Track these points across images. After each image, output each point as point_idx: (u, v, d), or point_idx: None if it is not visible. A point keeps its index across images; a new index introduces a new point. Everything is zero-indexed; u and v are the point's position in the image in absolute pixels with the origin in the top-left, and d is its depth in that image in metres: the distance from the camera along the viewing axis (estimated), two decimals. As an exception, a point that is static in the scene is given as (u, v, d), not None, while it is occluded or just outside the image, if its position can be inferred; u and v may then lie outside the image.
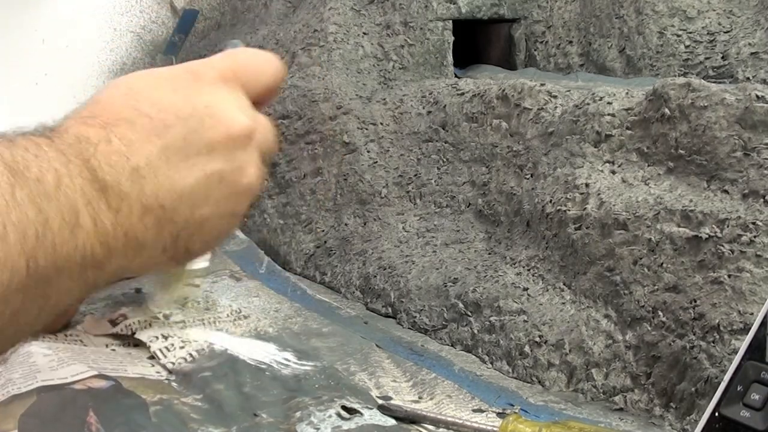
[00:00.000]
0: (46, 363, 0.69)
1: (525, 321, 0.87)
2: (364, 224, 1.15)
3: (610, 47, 1.23)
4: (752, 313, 0.69)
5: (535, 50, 1.35)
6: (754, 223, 0.71)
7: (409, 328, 0.99)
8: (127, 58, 1.75)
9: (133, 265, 0.47)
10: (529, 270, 0.92)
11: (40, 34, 1.67)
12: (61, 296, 0.42)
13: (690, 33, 1.13)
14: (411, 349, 0.92)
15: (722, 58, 1.09)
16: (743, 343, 0.53)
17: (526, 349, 0.86)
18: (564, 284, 0.87)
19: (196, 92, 0.50)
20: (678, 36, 1.14)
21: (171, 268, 0.57)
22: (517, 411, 0.74)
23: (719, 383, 0.53)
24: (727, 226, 0.73)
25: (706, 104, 0.77)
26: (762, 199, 0.72)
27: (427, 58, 1.27)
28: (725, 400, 0.51)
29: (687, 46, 1.13)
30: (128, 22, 1.74)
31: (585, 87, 1.04)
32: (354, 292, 1.09)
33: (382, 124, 1.18)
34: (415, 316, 0.99)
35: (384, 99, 1.20)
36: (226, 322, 0.89)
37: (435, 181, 1.10)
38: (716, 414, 0.51)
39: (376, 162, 1.17)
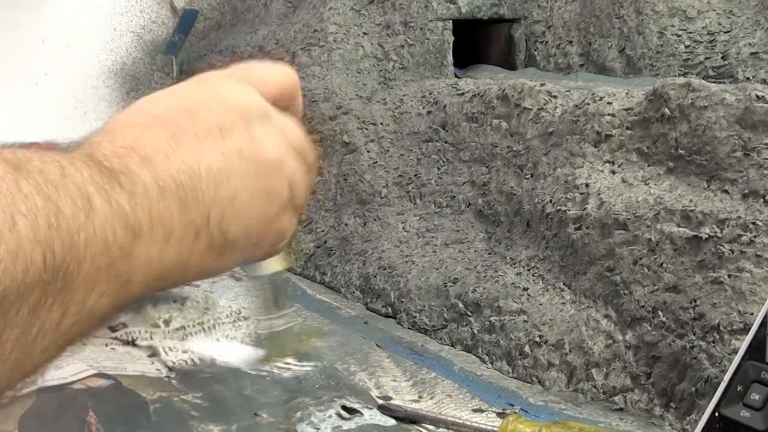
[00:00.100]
0: (46, 363, 0.69)
1: (525, 321, 0.87)
2: (364, 224, 1.15)
3: (610, 47, 1.23)
4: (752, 313, 0.69)
5: (535, 50, 1.35)
6: (754, 223, 0.71)
7: (409, 328, 0.99)
8: (127, 58, 1.74)
9: (168, 255, 0.43)
10: (529, 270, 0.92)
11: (40, 34, 1.67)
12: (89, 293, 0.39)
13: (690, 33, 1.13)
14: (411, 349, 0.92)
15: (722, 58, 1.09)
16: (743, 343, 0.53)
17: (526, 349, 0.86)
18: (564, 284, 0.87)
19: (201, 89, 0.49)
20: (678, 36, 1.14)
21: (219, 264, 0.52)
22: (517, 411, 0.74)
23: (719, 383, 0.53)
24: (727, 226, 0.73)
25: (706, 104, 0.77)
26: (762, 199, 0.72)
27: (427, 58, 1.27)
28: (725, 400, 0.51)
29: (687, 46, 1.13)
30: (128, 22, 1.74)
31: (585, 87, 1.04)
32: (354, 292, 1.09)
33: (382, 124, 1.18)
34: (415, 316, 0.99)
35: (384, 99, 1.20)
36: (226, 324, 0.89)
37: (435, 181, 1.10)
38: (716, 414, 0.51)
39: (376, 162, 1.17)
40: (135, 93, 1.69)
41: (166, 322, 0.84)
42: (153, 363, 0.74)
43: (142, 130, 0.45)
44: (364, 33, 1.27)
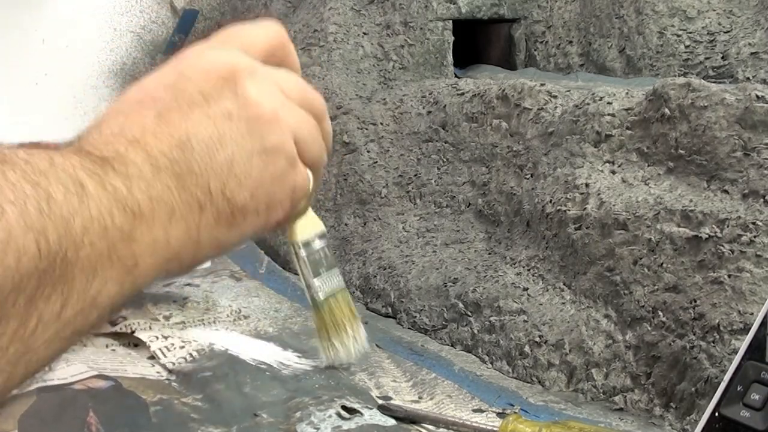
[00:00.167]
0: (46, 363, 0.69)
1: (525, 321, 0.87)
2: (364, 224, 1.15)
3: (610, 47, 1.23)
4: (752, 313, 0.69)
5: (535, 50, 1.35)
6: (754, 223, 0.71)
7: (409, 328, 0.99)
8: (127, 58, 1.74)
9: (175, 234, 0.41)
10: (529, 270, 0.92)
11: (40, 34, 1.67)
12: (91, 281, 0.36)
13: (690, 33, 1.13)
14: (411, 349, 0.92)
15: (722, 58, 1.09)
16: (743, 343, 0.53)
17: (526, 349, 0.86)
18: (564, 284, 0.87)
19: (179, 63, 0.48)
20: (678, 36, 1.14)
21: (235, 235, 0.48)
22: (517, 411, 0.74)
23: (719, 383, 0.53)
24: (727, 226, 0.73)
25: (706, 104, 0.77)
26: (762, 199, 0.72)
27: (427, 58, 1.27)
28: (725, 400, 0.51)
29: (687, 46, 1.13)
30: (128, 22, 1.74)
31: (585, 87, 1.04)
32: (354, 292, 1.09)
33: (382, 124, 1.18)
34: (415, 316, 0.99)
35: (384, 99, 1.20)
36: (226, 322, 0.89)
37: (435, 181, 1.10)
38: (716, 414, 0.51)
39: (376, 162, 1.17)
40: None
41: (167, 318, 0.84)
42: (153, 366, 0.74)
43: (127, 116, 0.44)
44: (364, 33, 1.27)
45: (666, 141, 0.81)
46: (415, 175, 1.12)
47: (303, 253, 0.62)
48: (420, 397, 0.77)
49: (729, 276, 0.71)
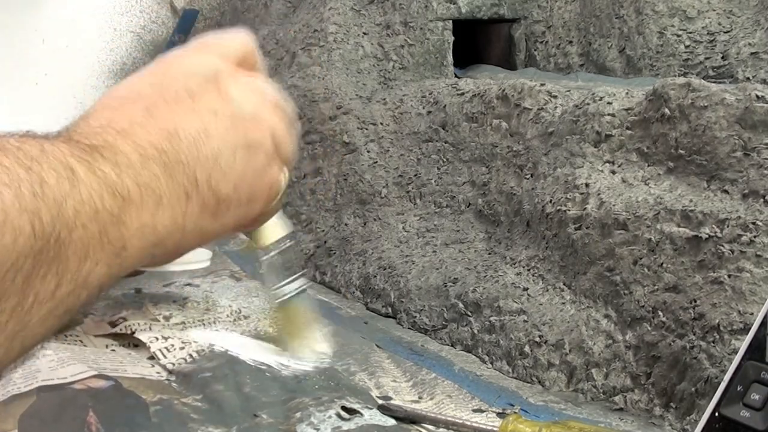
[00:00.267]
0: (46, 363, 0.69)
1: (525, 321, 0.87)
2: (364, 224, 1.15)
3: (610, 47, 1.23)
4: (752, 313, 0.69)
5: (535, 50, 1.35)
6: (754, 223, 0.71)
7: (409, 328, 0.99)
8: (127, 58, 1.75)
9: (161, 220, 0.44)
10: (529, 270, 0.92)
11: (40, 34, 1.67)
12: (83, 261, 0.39)
13: (690, 33, 1.13)
14: (411, 349, 0.92)
15: (722, 58, 1.09)
16: (743, 343, 0.53)
17: (526, 349, 0.86)
18: (564, 284, 0.87)
19: (163, 65, 0.51)
20: (678, 36, 1.14)
21: (218, 225, 0.52)
22: (517, 411, 0.74)
23: (719, 383, 0.53)
24: (727, 226, 0.73)
25: (706, 104, 0.77)
26: (762, 199, 0.72)
27: (427, 58, 1.27)
28: (725, 400, 0.51)
29: (687, 46, 1.13)
30: (128, 22, 1.74)
31: (585, 87, 1.04)
32: (354, 292, 1.09)
33: (382, 124, 1.18)
34: (415, 316, 0.99)
35: (384, 99, 1.20)
36: (226, 322, 0.89)
37: (435, 181, 1.10)
38: (716, 414, 0.51)
39: (376, 162, 1.17)
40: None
41: (166, 318, 0.84)
42: (153, 366, 0.74)
43: (115, 110, 0.46)
44: (364, 33, 1.27)
45: (666, 141, 0.81)
46: (415, 175, 1.12)
47: (271, 254, 0.64)
48: (420, 397, 0.77)
49: (729, 276, 0.71)
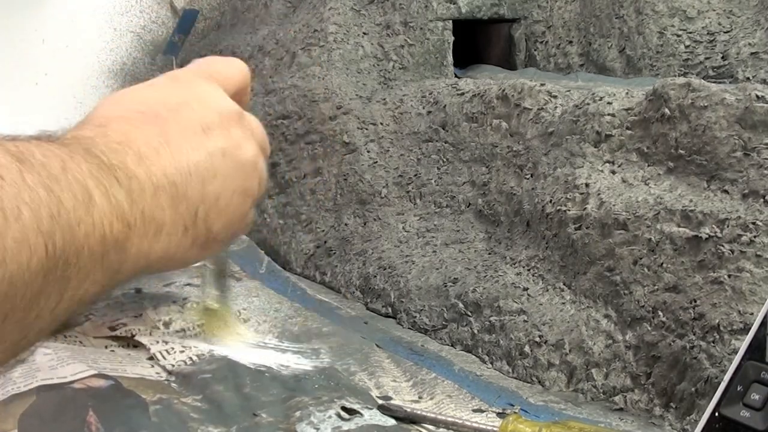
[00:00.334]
0: (46, 362, 0.69)
1: (525, 321, 0.87)
2: (364, 224, 1.15)
3: (610, 47, 1.23)
4: (752, 313, 0.69)
5: (535, 50, 1.35)
6: (754, 223, 0.71)
7: (409, 328, 0.99)
8: (127, 58, 1.74)
9: (156, 248, 0.46)
10: (529, 270, 0.92)
11: (40, 34, 1.67)
12: (83, 281, 0.41)
13: (690, 33, 1.13)
14: (411, 349, 0.92)
15: (722, 58, 1.09)
16: (743, 343, 0.53)
17: (526, 349, 0.86)
18: (564, 284, 0.87)
19: (178, 88, 0.52)
20: (678, 36, 1.14)
21: (199, 256, 0.56)
22: (517, 411, 0.74)
23: (719, 383, 0.53)
24: (727, 226, 0.73)
25: (706, 104, 0.77)
26: (762, 199, 0.72)
27: (427, 58, 1.27)
28: (725, 400, 0.51)
29: (687, 46, 1.13)
30: (128, 22, 1.74)
31: (585, 87, 1.04)
32: (354, 292, 1.09)
33: (382, 124, 1.18)
34: (415, 316, 0.99)
35: (384, 99, 1.20)
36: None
37: (435, 181, 1.10)
38: (716, 414, 0.51)
39: (376, 162, 1.17)
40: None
41: (166, 324, 0.84)
42: (153, 366, 0.74)
43: (133, 126, 0.48)
44: (364, 33, 1.27)
45: (666, 141, 0.81)
46: (415, 175, 1.12)
47: (216, 261, 0.73)
48: (420, 397, 0.77)
49: (729, 276, 0.71)
